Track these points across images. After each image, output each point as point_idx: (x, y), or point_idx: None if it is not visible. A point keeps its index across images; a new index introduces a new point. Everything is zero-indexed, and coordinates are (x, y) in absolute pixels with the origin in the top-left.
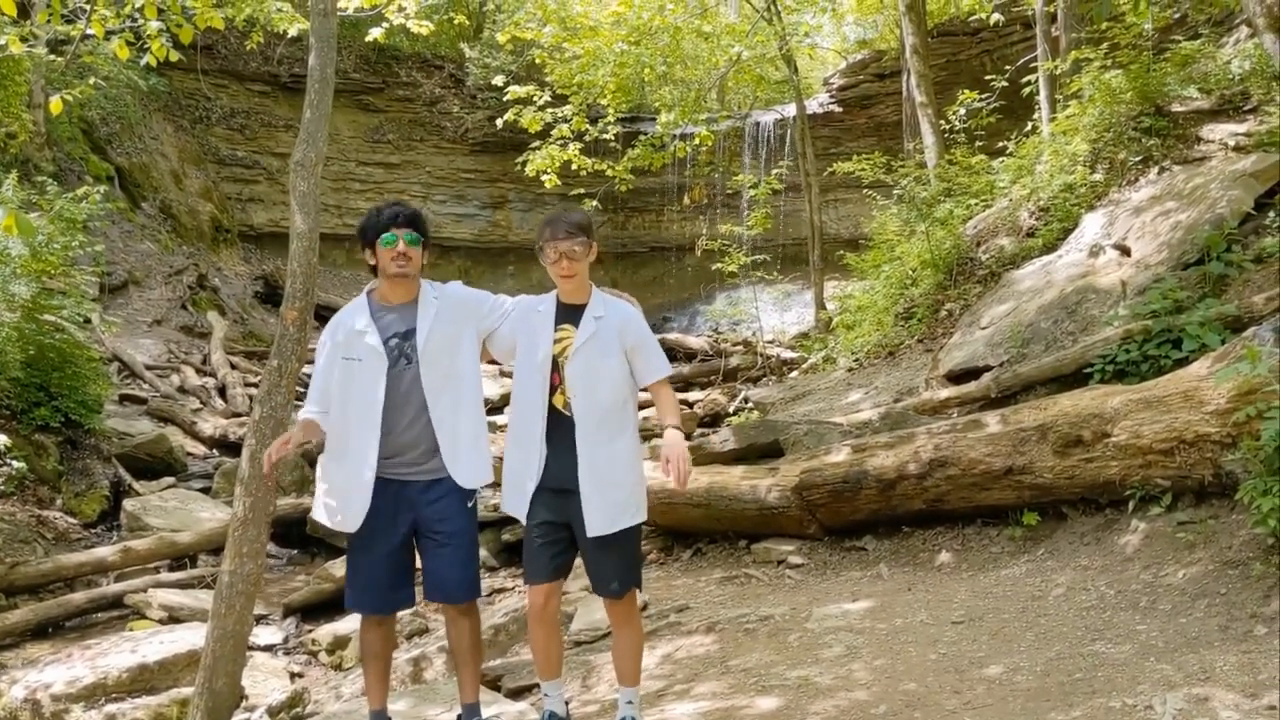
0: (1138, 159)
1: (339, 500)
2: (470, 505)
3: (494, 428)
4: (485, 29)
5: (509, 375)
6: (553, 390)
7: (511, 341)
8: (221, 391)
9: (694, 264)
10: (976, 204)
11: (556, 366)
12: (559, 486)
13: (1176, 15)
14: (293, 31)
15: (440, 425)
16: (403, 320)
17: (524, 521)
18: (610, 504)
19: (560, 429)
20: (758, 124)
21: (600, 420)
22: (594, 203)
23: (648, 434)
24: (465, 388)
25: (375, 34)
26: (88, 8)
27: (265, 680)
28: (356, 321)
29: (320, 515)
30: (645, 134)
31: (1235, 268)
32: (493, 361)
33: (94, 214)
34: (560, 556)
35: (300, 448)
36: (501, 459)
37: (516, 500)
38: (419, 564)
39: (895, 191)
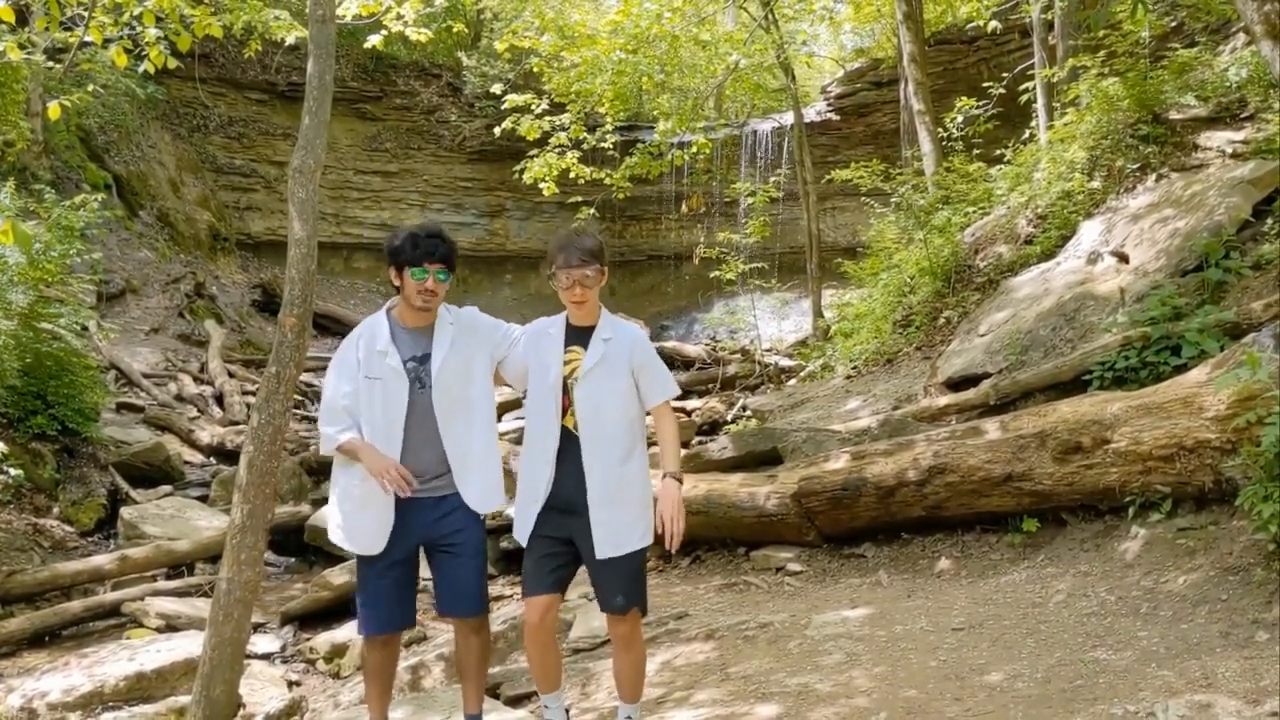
0: (1135, 166)
1: (361, 521)
2: (480, 519)
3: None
4: (483, 37)
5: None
6: (564, 411)
7: (523, 366)
8: (219, 399)
9: (692, 272)
10: (974, 212)
11: (566, 388)
12: (565, 506)
13: (1173, 23)
14: (290, 40)
15: (452, 449)
16: (419, 344)
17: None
18: (619, 525)
19: (569, 449)
20: (755, 132)
21: (609, 442)
22: (592, 210)
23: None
24: (478, 412)
25: (374, 40)
26: (86, 15)
27: (263, 688)
28: (377, 341)
29: (338, 538)
30: (643, 142)
31: (1234, 274)
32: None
33: (91, 222)
34: (560, 570)
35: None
36: (510, 473)
37: (523, 523)
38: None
39: (893, 199)
